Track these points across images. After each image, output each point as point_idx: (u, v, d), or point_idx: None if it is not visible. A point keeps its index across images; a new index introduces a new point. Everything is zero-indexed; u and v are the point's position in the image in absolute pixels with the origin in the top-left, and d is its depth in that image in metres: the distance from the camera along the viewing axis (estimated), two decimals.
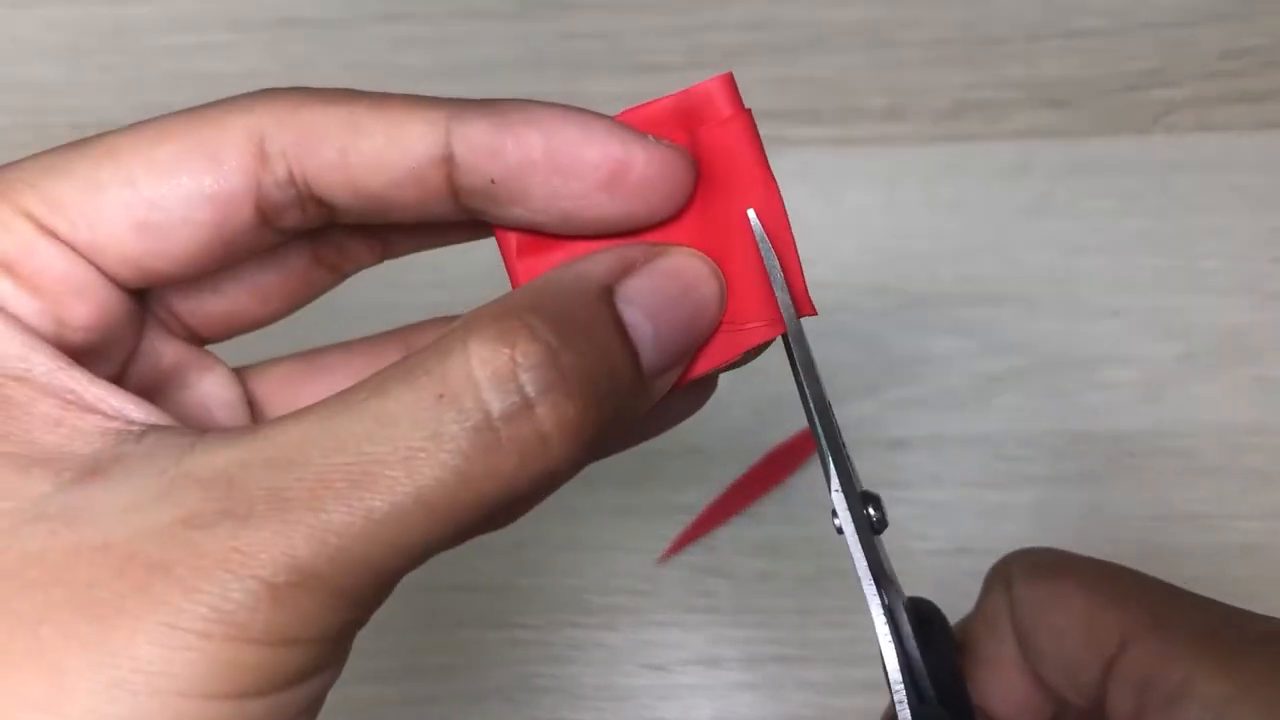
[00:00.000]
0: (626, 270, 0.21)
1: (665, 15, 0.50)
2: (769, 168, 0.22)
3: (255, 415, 0.25)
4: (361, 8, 0.50)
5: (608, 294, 0.20)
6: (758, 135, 0.22)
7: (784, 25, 0.49)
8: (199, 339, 0.25)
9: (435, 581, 0.44)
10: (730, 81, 0.22)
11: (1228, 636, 0.22)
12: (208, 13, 0.50)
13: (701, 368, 0.22)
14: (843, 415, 0.44)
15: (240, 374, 0.25)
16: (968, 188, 0.47)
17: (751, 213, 0.22)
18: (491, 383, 0.18)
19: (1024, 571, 0.25)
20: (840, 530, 0.23)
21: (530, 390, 0.18)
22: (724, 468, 0.44)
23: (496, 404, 0.18)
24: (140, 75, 0.50)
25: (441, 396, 0.18)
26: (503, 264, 0.23)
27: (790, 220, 0.22)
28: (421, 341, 0.25)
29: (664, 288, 0.21)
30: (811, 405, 0.23)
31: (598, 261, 0.21)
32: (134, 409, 0.20)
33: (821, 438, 0.23)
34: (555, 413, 0.19)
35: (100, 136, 0.21)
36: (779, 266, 0.22)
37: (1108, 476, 0.44)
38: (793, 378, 0.23)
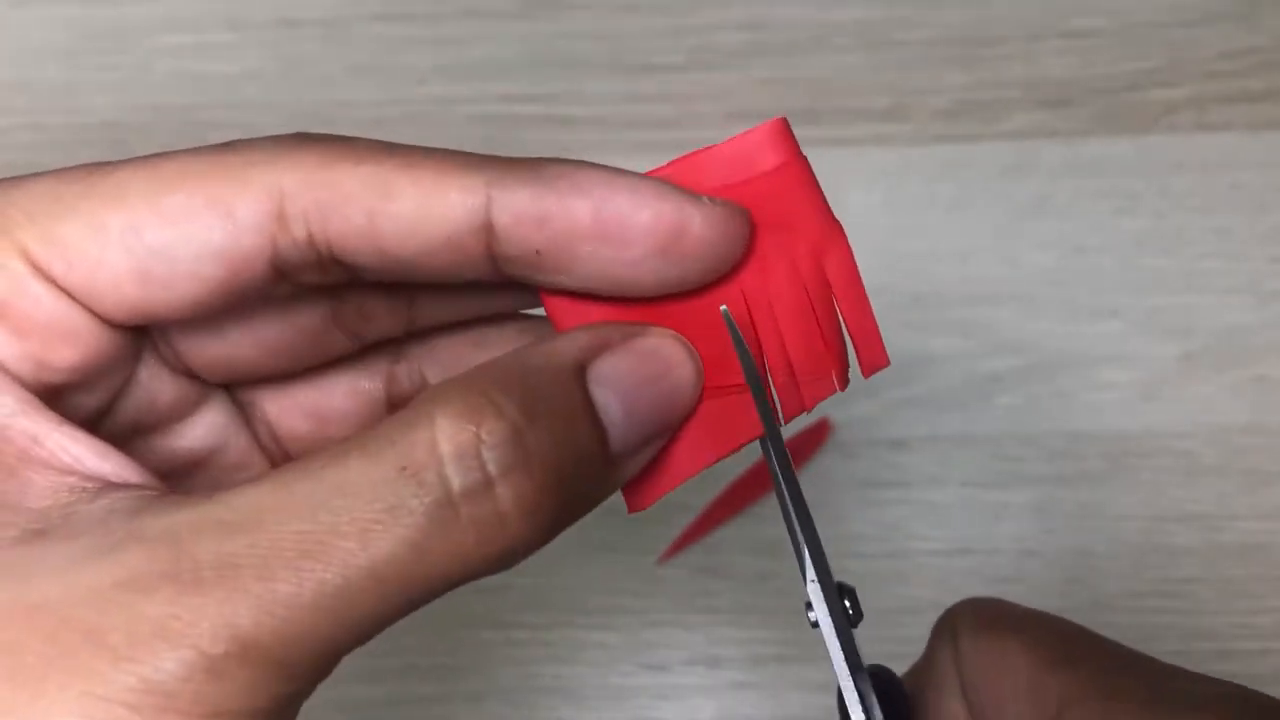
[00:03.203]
0: (600, 349, 0.20)
1: (665, 15, 0.50)
2: (831, 213, 0.21)
3: (253, 426, 0.25)
4: (361, 8, 0.50)
5: (580, 373, 0.20)
6: (815, 181, 0.21)
7: (784, 25, 0.49)
8: (199, 379, 0.24)
9: None
10: (784, 127, 0.21)
11: (1169, 700, 0.22)
12: (208, 13, 0.50)
13: (709, 456, 0.22)
14: (843, 415, 0.45)
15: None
16: (968, 188, 0.47)
17: (724, 309, 0.21)
18: (454, 458, 0.18)
19: (969, 627, 0.25)
20: (815, 624, 0.22)
21: (493, 468, 0.18)
22: (724, 468, 0.44)
23: (458, 480, 0.18)
24: (140, 75, 0.50)
25: (404, 469, 0.18)
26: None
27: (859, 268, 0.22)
28: (408, 359, 0.25)
29: (638, 369, 0.21)
30: (786, 495, 0.22)
31: (572, 339, 0.21)
32: (95, 459, 0.19)
33: (797, 528, 0.22)
34: (515, 492, 0.18)
35: (112, 169, 0.20)
36: (752, 359, 0.22)
37: (1108, 476, 0.44)
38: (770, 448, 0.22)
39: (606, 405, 0.20)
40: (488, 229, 0.20)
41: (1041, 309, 0.46)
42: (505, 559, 0.19)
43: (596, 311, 0.21)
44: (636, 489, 0.22)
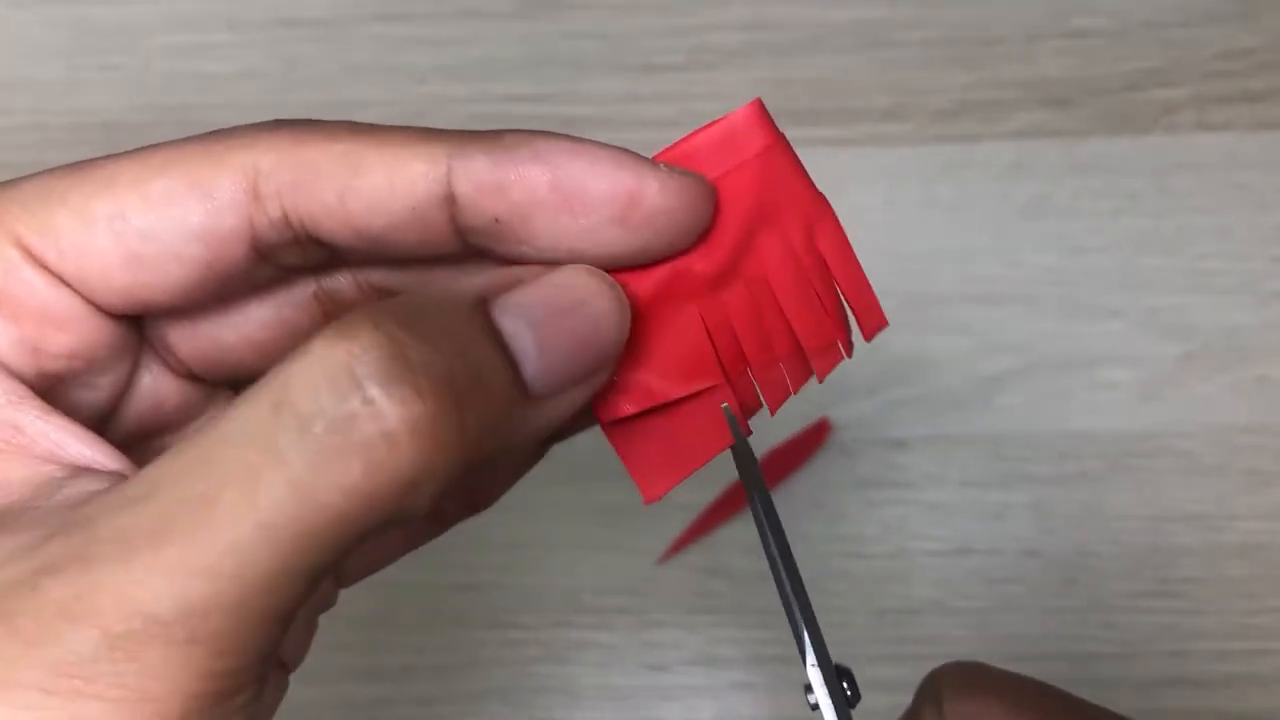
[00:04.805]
0: (509, 285, 0.20)
1: (665, 15, 0.50)
2: (815, 187, 0.21)
3: None
4: (361, 8, 0.50)
5: (480, 302, 0.19)
6: (797, 158, 0.21)
7: (784, 25, 0.49)
8: (204, 381, 0.24)
9: (434, 581, 0.44)
10: (760, 109, 0.21)
11: None
12: (208, 13, 0.50)
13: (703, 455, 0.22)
14: (843, 415, 0.45)
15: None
16: (968, 188, 0.47)
17: (724, 406, 0.22)
18: (327, 381, 0.17)
19: (953, 690, 0.25)
20: (815, 707, 0.23)
21: (371, 387, 0.17)
22: (724, 467, 0.44)
23: (332, 404, 0.17)
24: (140, 75, 0.50)
25: (279, 405, 0.17)
26: None
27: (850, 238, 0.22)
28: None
29: (550, 298, 0.20)
30: (785, 580, 0.22)
31: (477, 276, 0.20)
32: (78, 444, 0.19)
33: (795, 609, 0.22)
34: (401, 409, 0.17)
35: (103, 162, 0.20)
36: (757, 462, 0.22)
37: (1108, 476, 0.44)
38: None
39: (515, 333, 0.19)
40: (450, 199, 0.20)
41: (1041, 309, 0.46)
42: (405, 490, 0.17)
43: None
44: (649, 476, 0.22)
